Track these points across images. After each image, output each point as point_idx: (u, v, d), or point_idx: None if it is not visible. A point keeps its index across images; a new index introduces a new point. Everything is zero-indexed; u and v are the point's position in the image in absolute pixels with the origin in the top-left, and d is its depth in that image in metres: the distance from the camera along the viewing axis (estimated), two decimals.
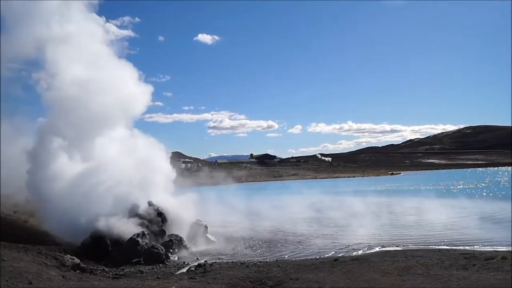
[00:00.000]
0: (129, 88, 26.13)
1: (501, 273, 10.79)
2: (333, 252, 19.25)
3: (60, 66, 24.90)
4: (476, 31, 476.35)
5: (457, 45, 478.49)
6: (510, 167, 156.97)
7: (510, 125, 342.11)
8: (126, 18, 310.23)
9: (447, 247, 19.08)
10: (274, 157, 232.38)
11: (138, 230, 19.36)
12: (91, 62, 25.88)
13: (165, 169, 25.42)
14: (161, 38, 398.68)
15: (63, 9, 26.14)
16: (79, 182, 21.20)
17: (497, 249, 17.74)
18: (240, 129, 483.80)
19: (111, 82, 25.60)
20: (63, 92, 24.31)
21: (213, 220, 27.47)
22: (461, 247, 18.94)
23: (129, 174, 22.97)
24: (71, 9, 26.49)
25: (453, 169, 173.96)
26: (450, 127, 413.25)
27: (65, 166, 22.12)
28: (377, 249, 19.53)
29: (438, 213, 30.75)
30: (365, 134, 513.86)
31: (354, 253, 18.75)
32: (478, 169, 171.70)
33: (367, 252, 19.01)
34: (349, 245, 20.70)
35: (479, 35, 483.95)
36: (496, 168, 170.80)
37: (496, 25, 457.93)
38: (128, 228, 19.32)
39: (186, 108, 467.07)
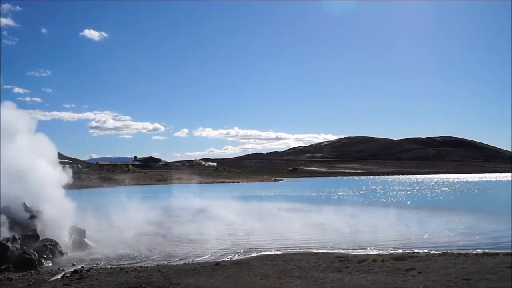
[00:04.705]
0: None
1: (371, 274, 11.56)
2: (215, 256, 19.26)
3: None
4: (350, 41, 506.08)
5: (334, 59, 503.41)
6: (384, 176, 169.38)
7: (383, 137, 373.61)
8: (6, 6, 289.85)
9: (324, 251, 19.97)
10: (159, 160, 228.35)
11: (9, 234, 17.91)
12: None
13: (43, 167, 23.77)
14: (44, 30, 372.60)
15: None
16: None
17: (369, 253, 19.05)
18: (124, 130, 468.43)
19: None
20: None
21: (93, 224, 26.25)
22: (337, 251, 19.92)
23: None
24: None
25: (332, 177, 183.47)
26: (331, 137, 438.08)
27: None
28: (257, 253, 19.88)
29: (320, 218, 32.02)
30: (251, 140, 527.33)
31: (236, 257, 18.93)
32: (355, 177, 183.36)
33: (248, 256, 19.25)
34: (231, 249, 20.88)
35: (356, 47, 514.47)
36: (371, 176, 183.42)
37: (367, 31, 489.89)
38: None
39: (67, 106, 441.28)
